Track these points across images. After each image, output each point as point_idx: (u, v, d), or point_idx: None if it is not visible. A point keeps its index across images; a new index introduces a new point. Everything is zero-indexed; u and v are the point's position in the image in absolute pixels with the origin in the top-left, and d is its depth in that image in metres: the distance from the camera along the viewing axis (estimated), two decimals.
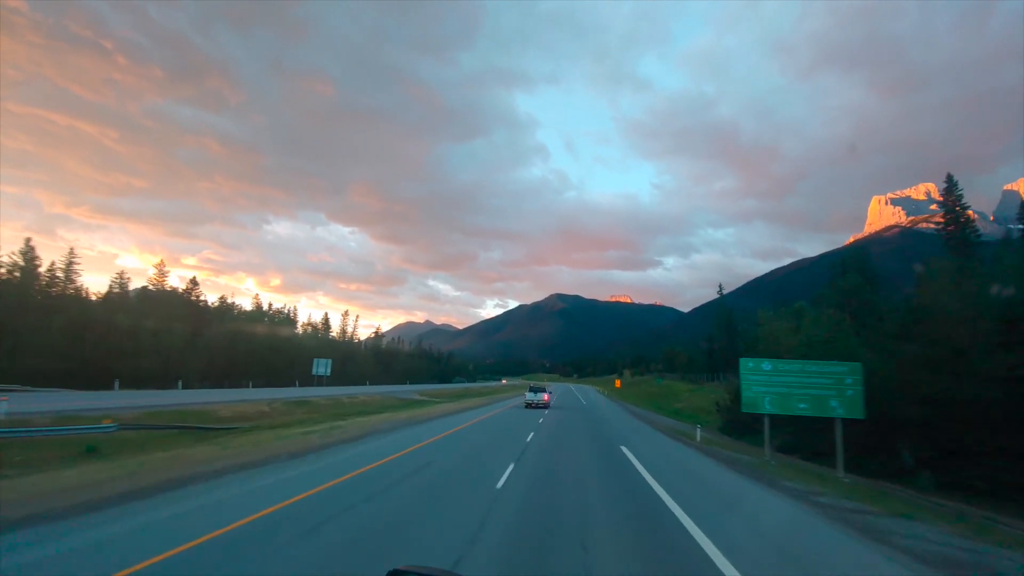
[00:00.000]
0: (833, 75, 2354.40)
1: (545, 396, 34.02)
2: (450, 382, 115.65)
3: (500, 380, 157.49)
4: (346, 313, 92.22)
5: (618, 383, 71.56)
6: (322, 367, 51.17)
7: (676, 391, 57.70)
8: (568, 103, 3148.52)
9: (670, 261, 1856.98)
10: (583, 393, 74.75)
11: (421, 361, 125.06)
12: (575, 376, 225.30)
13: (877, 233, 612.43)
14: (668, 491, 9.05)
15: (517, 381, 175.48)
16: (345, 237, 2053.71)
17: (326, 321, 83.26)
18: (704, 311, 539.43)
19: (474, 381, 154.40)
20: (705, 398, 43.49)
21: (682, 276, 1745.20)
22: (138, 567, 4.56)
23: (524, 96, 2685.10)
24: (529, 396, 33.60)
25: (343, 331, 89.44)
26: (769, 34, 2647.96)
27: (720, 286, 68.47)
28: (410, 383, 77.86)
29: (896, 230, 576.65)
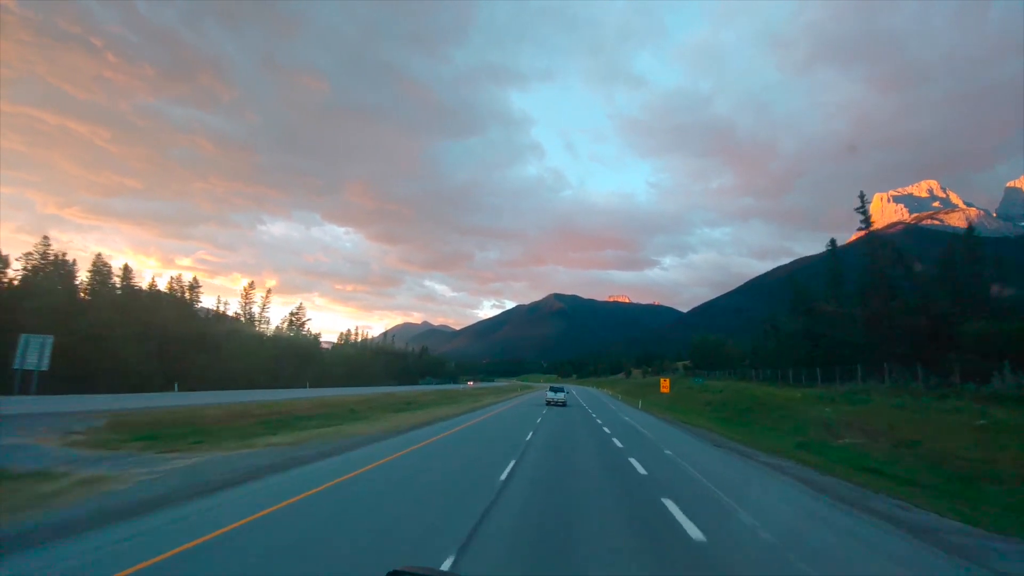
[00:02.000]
0: (831, 70, 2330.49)
1: (562, 396, 37.65)
2: (414, 384, 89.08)
3: (467, 383, 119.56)
4: (250, 286, 64.39)
5: (666, 385, 42.64)
6: (33, 353, 24.18)
7: (764, 400, 30.71)
8: (563, 100, 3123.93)
9: (667, 261, 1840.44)
10: (594, 402, 45.50)
11: (380, 357, 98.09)
12: (574, 376, 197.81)
13: (880, 230, 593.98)
14: None
15: (503, 383, 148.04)
16: (340, 237, 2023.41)
17: (192, 288, 54.34)
18: (705, 310, 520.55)
19: (452, 383, 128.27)
20: (925, 425, 16.63)
21: (680, 276, 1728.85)
22: None
23: (518, 93, 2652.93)
24: (550, 395, 37.65)
25: (247, 313, 61.98)
26: (765, 28, 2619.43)
27: (862, 198, 38.85)
28: (313, 386, 50.65)
29: (900, 227, 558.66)
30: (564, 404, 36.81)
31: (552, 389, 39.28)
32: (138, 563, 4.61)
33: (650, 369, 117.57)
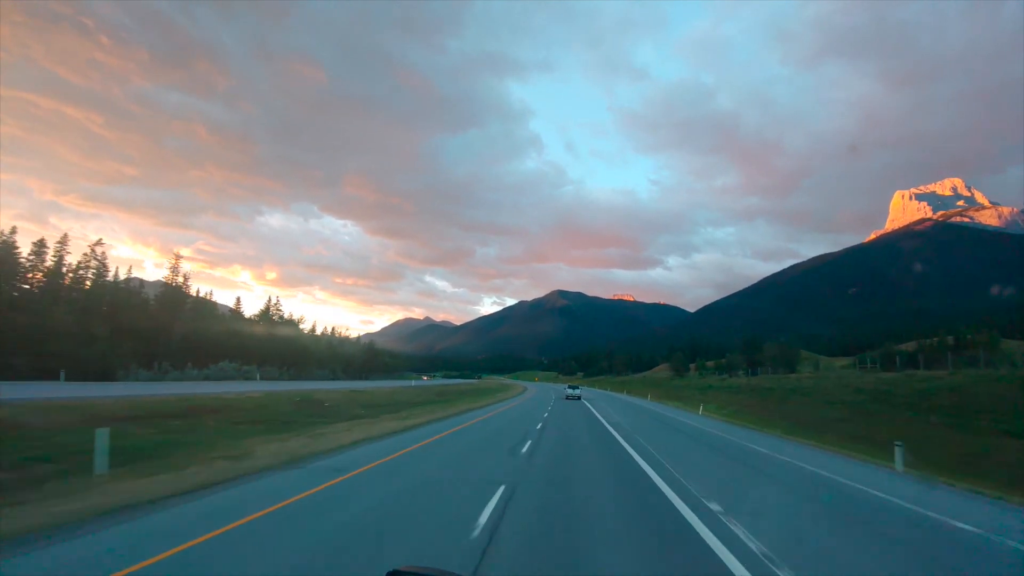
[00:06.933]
0: (838, 65, 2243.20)
1: (577, 392, 47.23)
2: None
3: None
4: None
5: None
6: None
7: None
8: (563, 92, 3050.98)
9: (672, 260, 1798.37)
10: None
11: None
12: (580, 374, 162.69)
13: (905, 228, 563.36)
14: None
15: (478, 381, 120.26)
16: (339, 230, 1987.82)
17: None
18: (712, 311, 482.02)
19: (366, 380, 79.26)
20: None
21: (684, 276, 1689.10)
22: None
23: (517, 84, 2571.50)
24: (568, 391, 47.43)
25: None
26: (770, 20, 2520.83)
27: None
28: None
29: (928, 223, 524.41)
30: (579, 398, 45.09)
31: (569, 387, 51.20)
32: None
33: (703, 365, 74.41)
